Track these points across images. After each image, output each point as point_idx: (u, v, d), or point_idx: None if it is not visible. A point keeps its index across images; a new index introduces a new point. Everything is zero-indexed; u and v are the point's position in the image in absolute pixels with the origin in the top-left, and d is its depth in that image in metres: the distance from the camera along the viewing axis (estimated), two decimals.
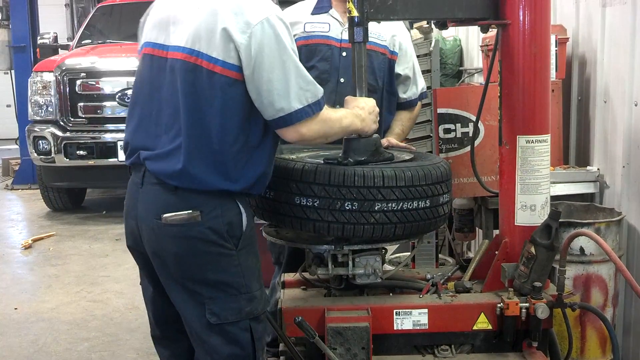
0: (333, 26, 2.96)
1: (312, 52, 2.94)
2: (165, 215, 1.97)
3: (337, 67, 2.92)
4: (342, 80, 2.91)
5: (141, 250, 2.09)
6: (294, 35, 2.88)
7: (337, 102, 2.89)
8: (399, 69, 3.03)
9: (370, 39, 2.89)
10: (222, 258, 1.99)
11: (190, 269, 1.99)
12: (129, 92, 6.46)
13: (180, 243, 1.97)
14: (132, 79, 6.41)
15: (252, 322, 2.04)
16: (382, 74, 2.97)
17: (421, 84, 3.11)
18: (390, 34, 2.99)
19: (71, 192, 7.35)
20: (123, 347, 3.76)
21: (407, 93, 3.07)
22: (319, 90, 2.05)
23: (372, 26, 2.92)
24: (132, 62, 6.68)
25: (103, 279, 5.03)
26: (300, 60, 2.91)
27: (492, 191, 2.73)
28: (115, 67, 6.65)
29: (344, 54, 2.91)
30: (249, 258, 2.05)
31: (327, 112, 2.09)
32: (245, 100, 1.96)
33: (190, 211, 1.96)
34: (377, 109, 2.33)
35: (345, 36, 2.89)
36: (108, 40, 7.70)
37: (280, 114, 1.96)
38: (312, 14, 3.01)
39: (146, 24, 2.20)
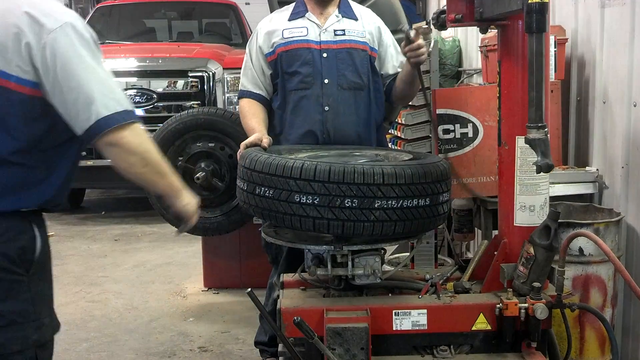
0: (311, 29, 2.97)
1: (292, 57, 2.94)
2: None
3: (319, 69, 2.92)
4: (326, 81, 2.91)
5: None
6: (273, 44, 2.95)
7: (324, 103, 2.91)
8: (388, 66, 3.05)
9: (349, 37, 2.95)
10: (13, 285, 1.84)
11: None
12: (128, 92, 6.47)
13: None
14: (131, 80, 6.52)
15: (38, 350, 1.90)
16: (365, 70, 2.96)
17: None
18: (369, 30, 3.01)
19: (70, 192, 7.32)
20: (122, 348, 3.76)
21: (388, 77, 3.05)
22: (128, 101, 1.91)
23: (350, 24, 2.97)
24: (131, 63, 6.70)
25: (102, 279, 5.03)
26: (282, 66, 2.99)
27: (480, 195, 2.74)
28: (114, 67, 6.63)
29: (325, 55, 2.92)
30: (40, 284, 1.90)
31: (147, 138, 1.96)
32: (42, 115, 1.82)
33: None
34: (195, 210, 2.13)
35: (324, 37, 2.94)
36: (107, 41, 7.68)
37: (89, 123, 1.82)
38: (289, 20, 3.02)
39: None
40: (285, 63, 2.96)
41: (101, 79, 1.84)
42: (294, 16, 3.03)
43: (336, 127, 2.90)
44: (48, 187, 1.93)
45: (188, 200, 2.11)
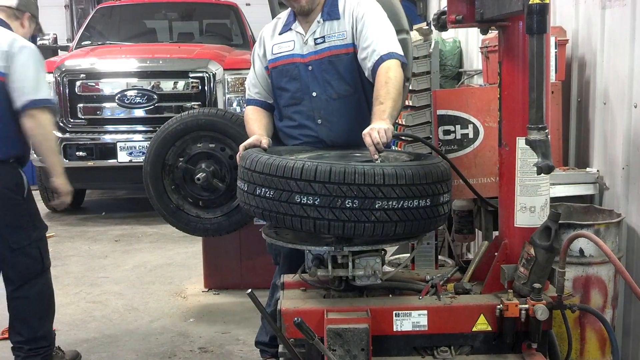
0: (297, 42, 2.88)
1: (280, 73, 2.90)
2: None
3: (307, 83, 2.85)
4: (314, 94, 2.84)
5: None
6: (267, 59, 2.96)
7: (316, 117, 2.86)
8: (360, 53, 2.77)
9: (328, 44, 2.82)
10: (15, 205, 3.17)
11: None
12: (129, 93, 6.48)
13: None
14: (132, 80, 6.53)
15: (39, 243, 3.30)
16: (351, 75, 2.81)
17: (384, 46, 2.70)
18: (350, 25, 2.80)
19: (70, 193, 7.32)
20: (122, 348, 3.76)
21: (369, 61, 2.72)
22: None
23: (331, 27, 2.82)
24: (132, 64, 6.70)
25: (102, 280, 5.03)
26: (273, 82, 2.93)
27: (480, 196, 2.74)
28: (114, 68, 6.65)
29: (310, 67, 2.84)
30: (31, 204, 3.29)
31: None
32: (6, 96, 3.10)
33: None
34: (67, 192, 3.43)
35: (307, 50, 2.84)
36: (108, 42, 7.70)
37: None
38: (280, 33, 2.94)
39: None
40: (276, 79, 2.92)
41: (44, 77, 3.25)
42: (284, 28, 2.94)
43: (332, 139, 2.85)
44: (19, 144, 3.21)
45: (63, 182, 3.34)
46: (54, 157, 3.32)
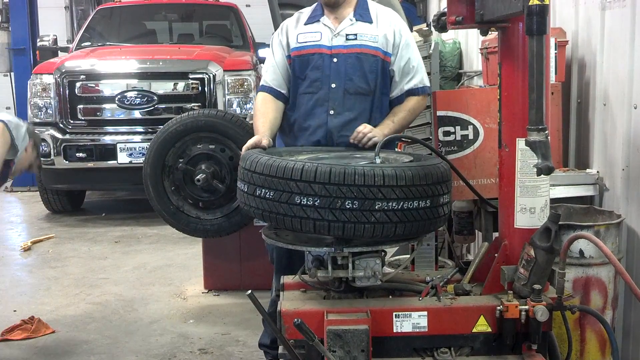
0: (324, 34, 2.98)
1: (305, 62, 2.98)
2: None
3: (328, 74, 2.94)
4: (333, 85, 2.93)
5: None
6: (290, 47, 3.00)
7: (330, 107, 2.94)
8: (393, 66, 2.99)
9: (360, 42, 2.94)
10: None
11: None
12: (129, 94, 6.48)
13: None
14: (132, 82, 6.53)
15: None
16: (373, 76, 2.95)
17: (416, 78, 2.99)
18: (383, 33, 2.97)
19: (70, 194, 7.33)
20: (122, 350, 3.76)
21: (395, 89, 3.00)
22: None
23: (363, 28, 2.95)
24: (132, 65, 6.70)
25: (102, 281, 5.02)
26: (295, 71, 3.04)
27: (481, 197, 2.74)
28: (114, 69, 6.66)
29: (335, 59, 2.93)
30: None
31: None
32: None
33: None
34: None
35: (336, 42, 2.95)
36: (107, 43, 7.71)
37: None
38: (306, 23, 3.04)
39: None
40: (298, 68, 3.00)
41: None
42: (310, 20, 3.04)
43: (338, 131, 2.92)
44: None
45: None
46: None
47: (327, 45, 2.96)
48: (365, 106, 2.94)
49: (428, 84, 3.04)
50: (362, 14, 3.00)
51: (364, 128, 2.79)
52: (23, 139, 3.37)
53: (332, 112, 2.94)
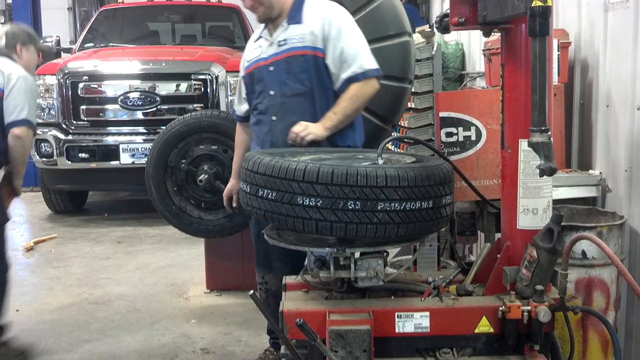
0: (263, 47, 3.05)
1: (251, 78, 3.09)
2: None
3: (268, 82, 3.00)
4: (271, 92, 2.99)
5: None
6: (244, 67, 3.14)
7: (271, 114, 3.01)
8: (327, 59, 2.92)
9: (289, 45, 2.96)
10: None
11: None
12: (132, 95, 6.49)
13: None
14: (134, 82, 6.54)
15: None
16: (307, 75, 2.94)
17: (355, 65, 2.89)
18: (310, 30, 2.93)
19: (73, 195, 7.35)
20: (124, 349, 3.76)
21: (336, 81, 2.92)
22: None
23: (293, 30, 2.97)
24: (134, 66, 6.71)
25: (104, 281, 5.03)
26: (247, 88, 3.13)
27: (484, 197, 2.74)
28: (117, 70, 6.67)
29: (271, 68, 2.99)
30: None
31: None
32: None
33: None
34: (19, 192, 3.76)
35: (271, 51, 3.01)
36: (110, 44, 7.72)
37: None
38: (255, 40, 3.14)
39: None
40: (249, 85, 3.12)
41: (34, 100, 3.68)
42: (256, 36, 3.14)
43: (284, 135, 2.92)
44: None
45: (20, 183, 3.73)
46: (24, 168, 3.73)
47: (264, 57, 3.02)
48: (306, 106, 2.95)
49: (371, 67, 2.91)
50: (294, 16, 2.99)
51: (299, 127, 2.83)
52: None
53: (274, 117, 2.99)
